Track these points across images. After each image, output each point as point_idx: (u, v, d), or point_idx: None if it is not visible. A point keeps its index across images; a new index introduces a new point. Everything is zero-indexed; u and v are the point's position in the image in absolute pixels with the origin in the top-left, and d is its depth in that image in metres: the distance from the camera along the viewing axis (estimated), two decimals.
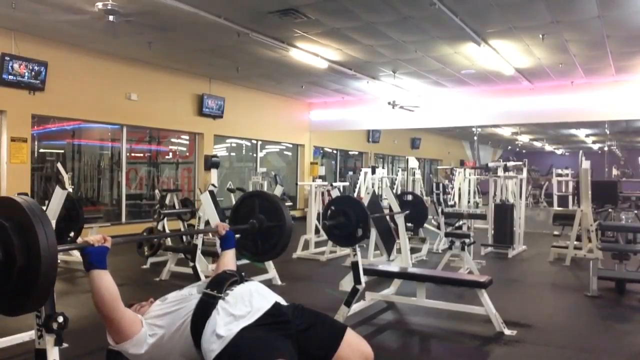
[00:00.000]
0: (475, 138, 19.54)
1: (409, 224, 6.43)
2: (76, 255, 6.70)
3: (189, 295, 2.05)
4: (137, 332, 1.94)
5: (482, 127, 17.09)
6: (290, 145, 14.39)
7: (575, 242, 7.07)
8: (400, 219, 5.42)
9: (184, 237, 6.69)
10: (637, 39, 7.58)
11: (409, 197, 6.55)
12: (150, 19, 6.95)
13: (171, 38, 7.97)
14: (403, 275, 4.69)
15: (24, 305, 1.66)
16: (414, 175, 10.85)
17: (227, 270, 2.22)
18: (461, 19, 6.76)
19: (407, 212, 5.59)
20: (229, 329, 1.88)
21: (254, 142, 13.16)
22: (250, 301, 1.98)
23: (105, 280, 1.89)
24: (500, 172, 8.69)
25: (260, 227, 2.67)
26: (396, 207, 5.53)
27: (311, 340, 1.99)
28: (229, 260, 2.48)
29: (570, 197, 11.14)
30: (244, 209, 2.80)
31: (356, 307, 4.23)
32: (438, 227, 8.11)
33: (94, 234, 1.96)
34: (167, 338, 1.96)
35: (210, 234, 6.57)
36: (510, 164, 9.43)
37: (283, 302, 2.10)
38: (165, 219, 6.73)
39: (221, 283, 2.04)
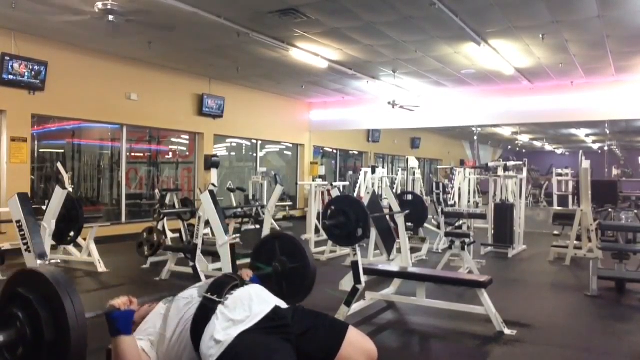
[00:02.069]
0: (475, 138, 19.53)
1: (409, 224, 6.44)
2: (77, 255, 6.71)
3: (190, 300, 2.04)
4: None
5: (482, 127, 17.09)
6: (290, 145, 14.39)
7: (575, 242, 7.07)
8: (400, 219, 5.42)
9: (184, 237, 6.70)
10: (637, 39, 7.58)
11: (409, 197, 6.57)
12: (150, 19, 6.94)
13: (171, 38, 7.96)
14: (403, 275, 4.69)
15: None
16: (414, 175, 10.86)
17: (227, 274, 2.21)
18: (461, 19, 6.76)
19: (407, 211, 5.60)
20: (227, 333, 1.87)
21: (254, 142, 13.16)
22: (249, 305, 1.98)
23: (131, 346, 1.86)
24: (500, 172, 8.69)
25: (283, 269, 2.66)
26: (396, 207, 5.53)
27: (312, 342, 1.98)
28: None
29: (570, 197, 11.14)
30: (264, 253, 2.78)
31: (356, 306, 4.23)
32: (438, 227, 8.12)
33: (120, 297, 1.88)
34: (171, 345, 1.96)
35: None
36: (510, 163, 9.44)
37: (283, 305, 2.09)
38: (165, 218, 6.74)
39: (221, 287, 2.03)
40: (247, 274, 2.49)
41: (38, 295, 1.55)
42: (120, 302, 1.85)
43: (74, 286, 1.59)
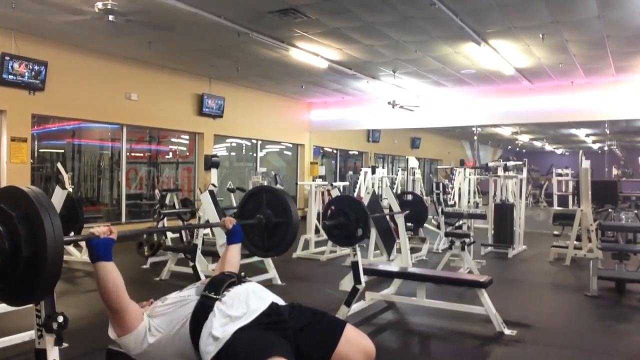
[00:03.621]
0: (475, 138, 19.52)
1: (409, 224, 6.44)
2: (77, 255, 6.71)
3: (188, 297, 2.05)
4: (139, 325, 1.96)
5: (482, 127, 17.08)
6: (290, 145, 14.39)
7: (575, 242, 7.07)
8: (400, 219, 5.42)
9: (184, 237, 6.69)
10: (637, 39, 7.58)
11: (409, 197, 6.58)
12: (150, 19, 6.94)
13: (171, 38, 7.96)
14: (403, 275, 4.69)
15: (30, 295, 1.67)
16: (414, 175, 10.85)
17: (225, 272, 2.22)
18: (461, 19, 6.76)
19: (407, 212, 5.59)
20: (224, 330, 1.88)
21: (254, 142, 13.17)
22: (246, 302, 1.98)
23: (111, 272, 1.90)
24: (500, 172, 8.69)
25: (267, 222, 2.69)
26: (396, 207, 5.53)
27: (309, 338, 1.98)
28: (234, 254, 2.49)
29: (570, 197, 11.14)
30: (251, 204, 2.82)
31: (356, 307, 4.23)
32: (438, 227, 8.12)
33: (100, 226, 1.97)
34: (166, 340, 1.97)
35: (209, 231, 6.57)
36: (510, 163, 9.43)
37: (280, 302, 2.10)
38: (165, 218, 6.74)
39: (219, 285, 2.04)
40: (230, 221, 2.52)
41: (20, 213, 1.61)
42: (100, 230, 1.92)
43: (54, 207, 1.65)
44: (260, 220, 2.68)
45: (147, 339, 1.96)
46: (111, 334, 1.98)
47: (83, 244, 6.49)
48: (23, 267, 1.60)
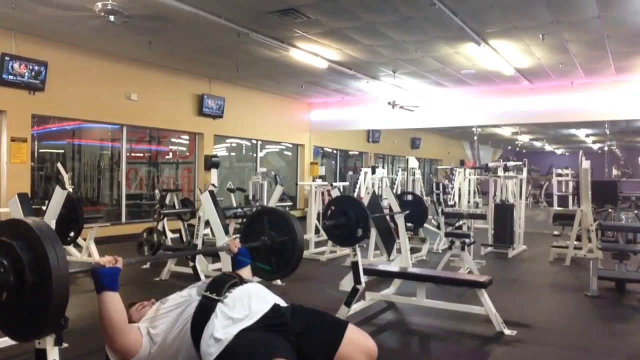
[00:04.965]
0: (475, 138, 19.52)
1: (409, 224, 6.44)
2: (77, 255, 6.71)
3: (189, 298, 2.04)
4: (141, 347, 1.94)
5: (482, 127, 17.09)
6: (290, 145, 14.39)
7: (575, 242, 7.07)
8: (400, 219, 5.42)
9: (184, 237, 6.70)
10: (637, 39, 7.58)
11: (409, 197, 6.57)
12: (150, 19, 6.94)
13: (171, 38, 7.97)
14: (403, 275, 4.69)
15: (39, 327, 1.62)
16: (414, 175, 10.85)
17: (226, 272, 2.22)
18: (461, 19, 6.76)
19: (407, 212, 5.60)
20: (226, 332, 1.88)
21: (254, 142, 13.17)
22: (249, 304, 1.98)
23: (116, 302, 1.88)
24: (500, 172, 8.69)
25: (272, 243, 2.67)
26: (396, 207, 5.53)
27: (311, 340, 1.98)
28: (246, 275, 2.42)
29: (570, 197, 11.14)
30: (254, 228, 2.80)
31: (356, 307, 4.23)
32: (438, 227, 8.12)
33: (105, 256, 1.93)
34: (168, 342, 1.96)
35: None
36: (510, 164, 9.43)
37: (282, 304, 2.09)
38: (165, 219, 6.74)
39: (220, 285, 2.04)
40: (235, 244, 2.51)
41: (21, 242, 1.59)
42: (106, 259, 1.90)
43: (57, 236, 1.62)
44: (265, 242, 2.66)
45: (150, 351, 1.96)
46: (112, 358, 1.97)
47: (83, 242, 6.51)
48: (29, 297, 1.56)
